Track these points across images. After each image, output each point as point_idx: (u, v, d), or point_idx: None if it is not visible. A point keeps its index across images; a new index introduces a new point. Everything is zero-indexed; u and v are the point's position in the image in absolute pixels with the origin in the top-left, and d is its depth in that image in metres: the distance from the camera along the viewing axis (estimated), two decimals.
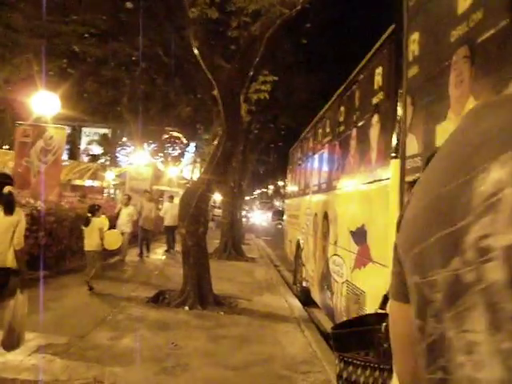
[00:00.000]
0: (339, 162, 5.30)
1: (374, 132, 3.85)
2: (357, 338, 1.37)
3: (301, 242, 8.10)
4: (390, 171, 2.59)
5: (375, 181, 3.80)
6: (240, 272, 10.35)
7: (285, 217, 12.15)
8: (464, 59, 2.14)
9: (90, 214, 7.04)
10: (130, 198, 10.58)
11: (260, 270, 10.93)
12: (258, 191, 70.42)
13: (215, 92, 6.22)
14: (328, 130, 6.24)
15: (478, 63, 2.04)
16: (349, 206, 4.74)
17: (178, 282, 6.94)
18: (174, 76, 15.68)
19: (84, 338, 4.61)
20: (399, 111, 2.19)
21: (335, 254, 5.21)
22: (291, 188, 10.53)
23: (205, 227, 6.75)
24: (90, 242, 6.98)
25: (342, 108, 5.38)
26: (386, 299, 1.40)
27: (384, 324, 1.33)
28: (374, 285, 3.73)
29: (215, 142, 6.66)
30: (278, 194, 69.54)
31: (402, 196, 2.01)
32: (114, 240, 7.60)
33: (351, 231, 4.47)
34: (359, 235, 4.17)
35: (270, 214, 50.45)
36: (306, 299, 7.56)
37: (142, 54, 14.56)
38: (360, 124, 4.43)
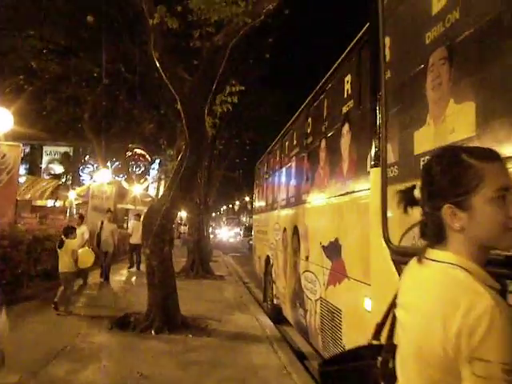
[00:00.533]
0: (308, 174, 5.16)
1: (345, 142, 3.72)
2: (350, 375, 1.16)
3: (270, 257, 7.89)
4: (371, 180, 2.44)
5: (348, 193, 3.65)
6: (208, 291, 10.02)
7: (253, 232, 11.94)
8: (441, 61, 2.02)
9: (63, 236, 7.08)
10: (82, 217, 10.53)
11: (229, 288, 10.64)
12: (224, 207, 69.95)
13: (178, 105, 6.00)
14: (296, 142, 6.12)
15: (456, 65, 1.92)
16: (320, 219, 4.58)
17: (144, 303, 6.58)
18: (137, 92, 15.34)
19: (38, 374, 4.20)
20: (378, 117, 2.05)
21: (307, 270, 5.03)
22: (258, 203, 10.36)
23: (170, 246, 6.45)
24: (64, 264, 7.00)
25: (311, 118, 5.27)
26: (379, 328, 1.21)
27: (380, 358, 1.12)
28: (350, 302, 3.55)
29: (179, 158, 6.41)
30: (245, 209, 69.42)
31: (385, 204, 1.84)
32: (87, 258, 7.60)
33: (323, 246, 4.30)
34: (332, 250, 4.00)
35: (237, 230, 50.19)
36: (278, 317, 7.32)
37: (104, 69, 14.19)
38: (330, 134, 4.31)
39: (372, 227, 2.36)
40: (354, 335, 3.45)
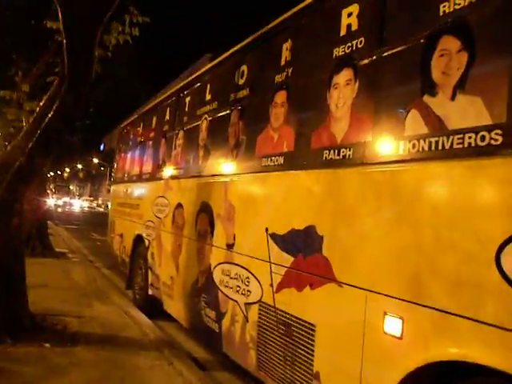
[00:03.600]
0: (240, 134, 3.98)
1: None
2: None
3: (145, 238, 6.44)
4: None
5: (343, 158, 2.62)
6: (54, 274, 7.99)
7: (110, 205, 10.09)
8: None
9: None
10: None
11: (77, 269, 8.72)
12: (51, 173, 62.40)
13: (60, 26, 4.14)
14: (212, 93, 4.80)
15: None
16: (270, 197, 3.44)
17: None
18: None
19: None
20: None
21: (229, 263, 3.88)
22: (124, 171, 8.64)
23: (20, 218, 4.57)
24: None
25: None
26: None
27: None
28: (341, 317, 2.55)
29: (48, 96, 4.55)
30: (76, 177, 63.34)
31: None
32: None
33: (275, 235, 3.21)
34: (299, 242, 2.94)
35: (67, 199, 45.24)
36: (152, 310, 6.01)
37: None
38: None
39: None
40: (345, 362, 2.48)
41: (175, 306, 5.18)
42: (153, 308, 6.07)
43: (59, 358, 3.91)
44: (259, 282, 3.39)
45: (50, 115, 4.22)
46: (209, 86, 4.85)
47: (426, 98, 2.18)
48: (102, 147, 61.37)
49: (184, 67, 47.70)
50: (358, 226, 2.48)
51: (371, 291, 2.34)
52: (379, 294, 2.29)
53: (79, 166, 53.46)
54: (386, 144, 2.40)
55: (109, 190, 11.26)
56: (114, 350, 4.34)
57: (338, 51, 2.84)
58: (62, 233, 16.65)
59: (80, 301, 6.18)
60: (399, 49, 2.40)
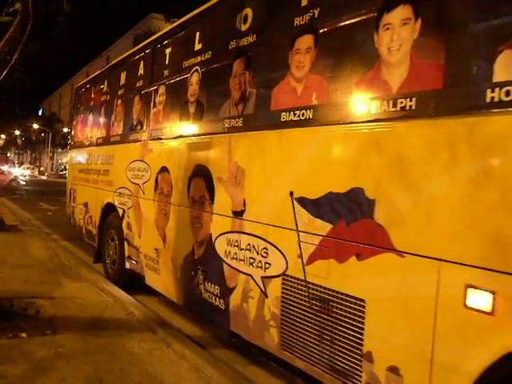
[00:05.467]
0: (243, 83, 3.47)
1: None
2: None
3: (119, 207, 5.84)
4: None
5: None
6: (11, 249, 7.18)
7: (68, 172, 9.21)
8: None
9: None
10: None
11: (34, 244, 7.93)
12: None
13: None
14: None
15: None
16: (295, 157, 2.98)
17: None
18: None
19: None
20: None
21: (237, 232, 3.45)
22: (86, 135, 7.83)
23: None
24: None
25: None
26: None
27: None
28: (401, 291, 2.22)
29: None
30: (13, 144, 59.31)
31: None
32: None
33: (302, 199, 2.80)
34: (340, 207, 2.55)
35: (5, 167, 42.26)
36: (128, 285, 5.53)
37: None
38: None
39: None
40: (408, 340, 2.17)
41: (162, 281, 4.70)
42: (129, 283, 5.58)
43: (42, 351, 3.35)
44: (282, 252, 2.99)
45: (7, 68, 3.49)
46: (199, 33, 4.23)
47: None
48: (40, 112, 57.64)
49: (128, 27, 45.06)
50: (427, 185, 2.12)
51: (446, 261, 2.01)
52: (458, 263, 1.97)
53: (17, 133, 49.90)
54: (461, 92, 2.03)
55: (51, 157, 10.28)
56: (101, 334, 3.84)
57: None
58: (8, 204, 15.38)
59: (46, 279, 5.55)
60: None
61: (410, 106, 2.20)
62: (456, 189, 2.00)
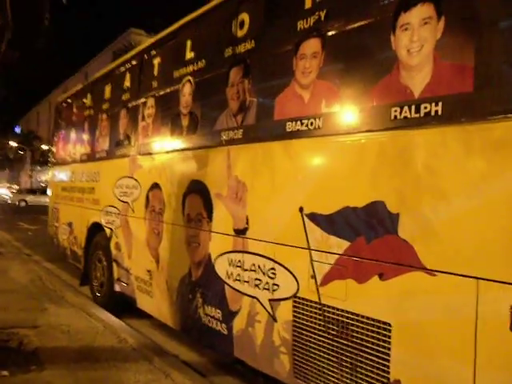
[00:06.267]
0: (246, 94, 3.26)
1: None
2: None
3: (106, 227, 5.54)
4: None
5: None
6: None
7: (50, 192, 8.83)
8: None
9: None
10: None
11: (15, 267, 7.51)
12: None
13: None
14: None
15: None
16: (305, 170, 2.77)
17: None
18: None
19: None
20: None
21: (239, 251, 3.22)
22: (69, 151, 7.50)
23: None
24: None
25: None
26: None
27: None
28: (425, 313, 2.02)
29: None
30: None
31: None
32: None
33: (313, 215, 2.59)
34: (358, 223, 2.35)
35: None
36: (118, 308, 5.22)
37: None
38: None
39: None
40: (446, 367, 1.96)
41: (156, 304, 4.41)
42: (119, 306, 5.27)
43: None
44: (292, 273, 2.76)
45: None
46: (191, 41, 4.02)
47: None
48: (18, 130, 56.58)
49: (107, 43, 44.77)
50: (459, 199, 1.93)
51: (487, 279, 1.82)
52: (501, 282, 1.78)
53: None
54: (492, 96, 1.86)
55: (30, 176, 9.92)
56: (93, 367, 3.53)
57: None
58: None
59: (29, 305, 5.20)
60: None
61: (436, 111, 2.03)
62: (494, 200, 1.81)
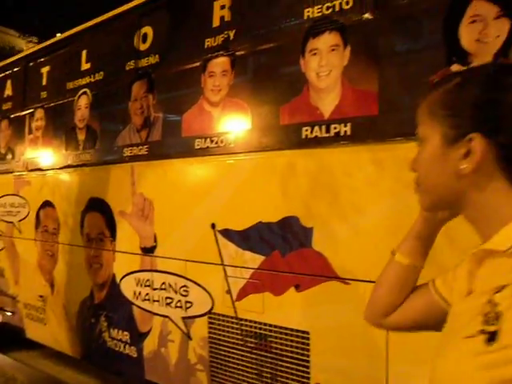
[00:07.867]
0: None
1: None
2: None
3: None
4: None
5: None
6: None
7: None
8: None
9: None
10: None
11: None
12: None
13: None
14: None
15: None
16: (216, 186, 2.78)
17: None
18: None
19: None
20: None
21: (159, 271, 3.13)
22: None
23: None
24: None
25: None
26: None
27: None
28: (341, 320, 2.18)
29: None
30: None
31: None
32: None
33: (230, 231, 2.64)
34: (272, 237, 2.44)
35: None
36: (1, 342, 4.70)
37: None
38: None
39: None
40: (362, 367, 2.13)
41: (50, 332, 4.06)
42: (3, 340, 4.73)
43: None
44: (206, 290, 2.77)
45: None
46: (87, 51, 3.82)
47: None
48: None
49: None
50: (367, 212, 2.12)
51: None
52: None
53: None
54: (394, 119, 2.09)
55: None
56: None
57: None
58: None
59: None
60: None
61: (345, 132, 2.20)
62: (397, 213, 2.02)
